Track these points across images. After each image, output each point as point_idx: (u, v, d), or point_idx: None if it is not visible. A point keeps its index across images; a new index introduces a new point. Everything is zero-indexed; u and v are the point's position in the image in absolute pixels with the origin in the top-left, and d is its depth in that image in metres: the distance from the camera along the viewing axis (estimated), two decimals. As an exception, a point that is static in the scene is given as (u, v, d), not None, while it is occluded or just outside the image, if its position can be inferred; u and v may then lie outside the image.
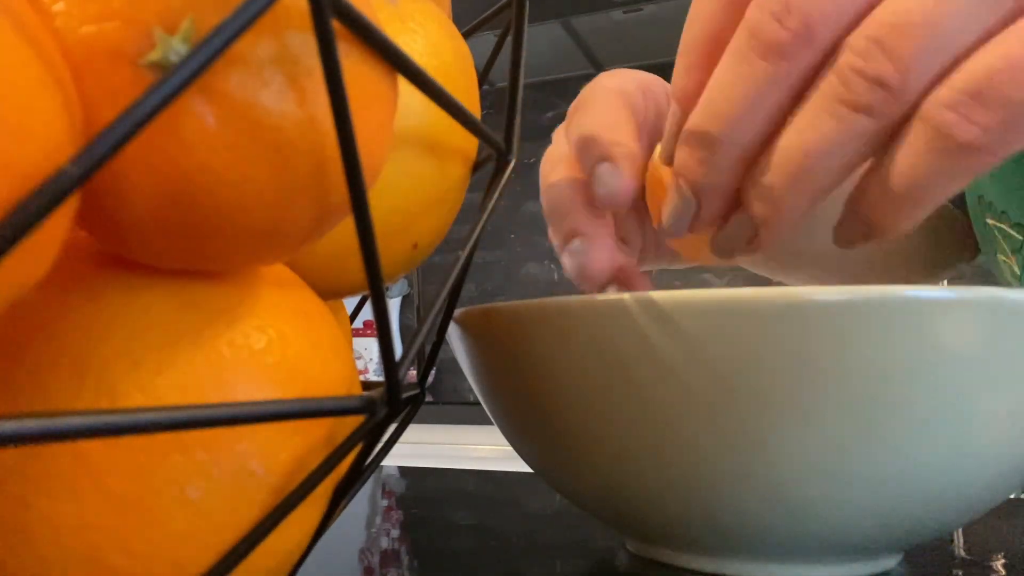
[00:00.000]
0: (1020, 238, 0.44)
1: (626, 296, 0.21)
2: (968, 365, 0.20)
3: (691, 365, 0.21)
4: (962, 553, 0.28)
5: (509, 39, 0.21)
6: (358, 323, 2.16)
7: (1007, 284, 0.46)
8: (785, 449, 0.21)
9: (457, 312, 0.26)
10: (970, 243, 0.52)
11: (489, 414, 0.28)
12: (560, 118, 0.34)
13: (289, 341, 0.15)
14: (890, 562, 0.25)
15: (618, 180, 0.28)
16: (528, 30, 0.20)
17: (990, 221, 0.46)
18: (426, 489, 0.44)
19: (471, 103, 0.22)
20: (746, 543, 0.23)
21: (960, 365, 0.20)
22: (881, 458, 0.20)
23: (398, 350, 1.48)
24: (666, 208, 0.26)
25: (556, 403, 0.24)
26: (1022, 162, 0.42)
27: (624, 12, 1.73)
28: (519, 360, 0.24)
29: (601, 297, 0.21)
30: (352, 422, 0.16)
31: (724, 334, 0.20)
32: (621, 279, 0.30)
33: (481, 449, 1.64)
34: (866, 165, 0.23)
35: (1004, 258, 0.46)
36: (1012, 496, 0.49)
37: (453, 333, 0.27)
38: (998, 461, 0.21)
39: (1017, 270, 0.44)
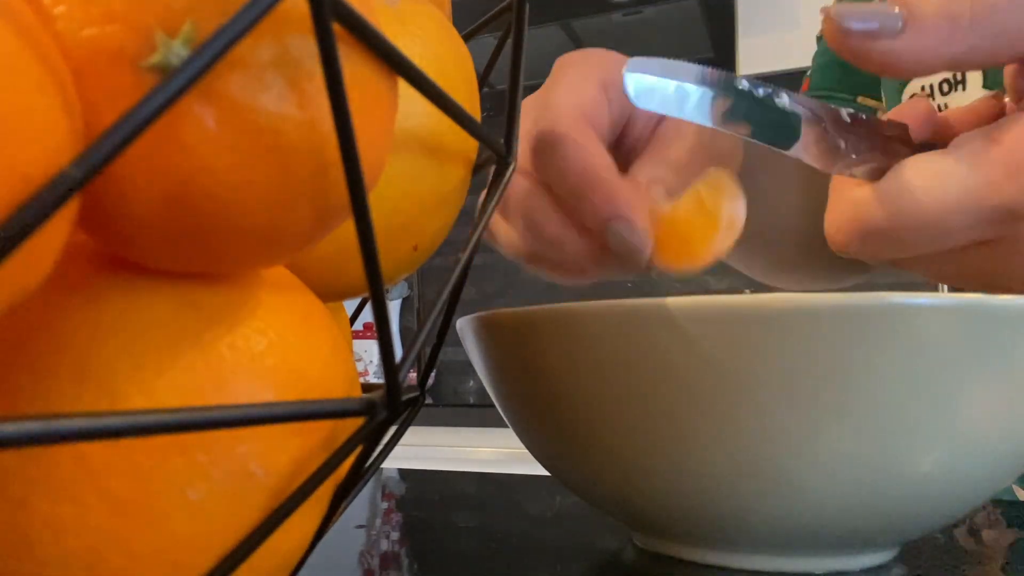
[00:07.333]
0: None
1: (635, 303, 0.22)
2: (955, 366, 0.20)
3: (695, 368, 0.21)
4: (958, 546, 0.28)
5: (509, 42, 0.21)
6: (358, 325, 2.16)
7: None
8: (785, 448, 0.21)
9: (470, 317, 0.27)
10: None
11: (502, 414, 0.29)
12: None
13: (289, 343, 0.15)
14: (889, 554, 0.26)
15: (637, 238, 0.27)
16: (528, 33, 0.20)
17: None
18: (426, 491, 0.44)
19: (471, 106, 0.22)
20: (748, 537, 0.24)
21: (948, 366, 0.20)
22: (877, 456, 0.21)
23: (398, 352, 1.48)
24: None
25: (567, 405, 0.24)
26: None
27: (624, 15, 1.73)
28: (531, 363, 0.25)
29: (607, 304, 0.22)
30: (352, 424, 0.16)
31: (725, 338, 0.21)
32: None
33: (481, 451, 1.64)
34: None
35: None
36: (1007, 491, 0.50)
37: (467, 337, 0.28)
38: (987, 457, 0.22)
39: None
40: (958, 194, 0.23)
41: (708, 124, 0.24)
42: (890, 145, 0.25)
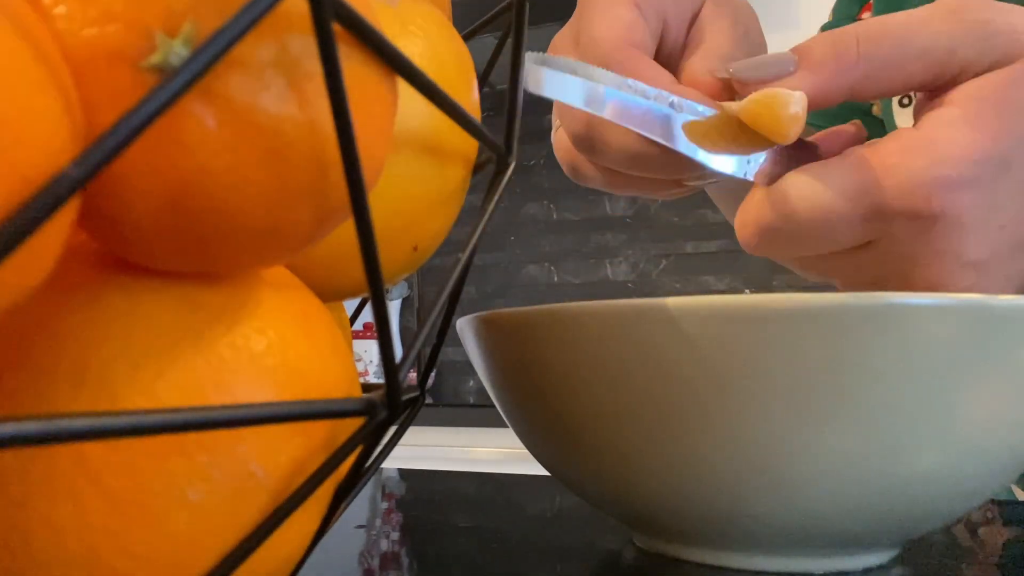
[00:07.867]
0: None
1: (635, 303, 0.22)
2: (955, 366, 0.20)
3: (695, 368, 0.21)
4: (958, 545, 0.28)
5: (509, 42, 0.21)
6: (358, 325, 2.16)
7: None
8: (785, 448, 0.21)
9: (470, 317, 0.27)
10: None
11: (502, 414, 0.29)
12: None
13: (289, 343, 0.15)
14: (889, 554, 0.26)
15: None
16: (528, 32, 0.20)
17: None
18: (426, 491, 0.44)
19: (471, 105, 0.22)
20: (748, 537, 0.24)
21: (948, 366, 0.20)
22: (877, 456, 0.21)
23: (398, 352, 1.48)
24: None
25: (567, 404, 0.24)
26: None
27: (624, 15, 1.72)
28: (531, 363, 0.25)
29: (607, 304, 0.22)
30: (352, 424, 0.16)
31: (725, 338, 0.21)
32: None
33: (481, 451, 1.63)
34: None
35: None
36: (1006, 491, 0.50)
37: (467, 337, 0.28)
38: (987, 457, 0.22)
39: None
40: (834, 196, 0.26)
41: (601, 115, 0.28)
42: (796, 158, 0.28)
